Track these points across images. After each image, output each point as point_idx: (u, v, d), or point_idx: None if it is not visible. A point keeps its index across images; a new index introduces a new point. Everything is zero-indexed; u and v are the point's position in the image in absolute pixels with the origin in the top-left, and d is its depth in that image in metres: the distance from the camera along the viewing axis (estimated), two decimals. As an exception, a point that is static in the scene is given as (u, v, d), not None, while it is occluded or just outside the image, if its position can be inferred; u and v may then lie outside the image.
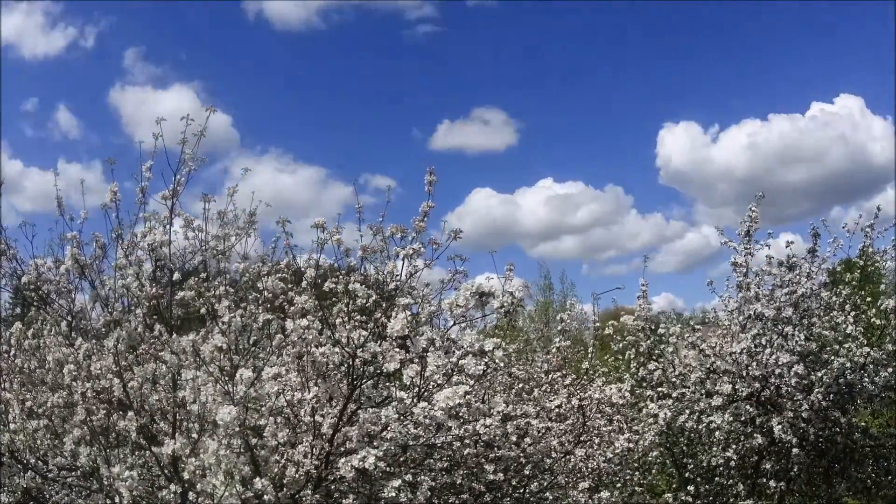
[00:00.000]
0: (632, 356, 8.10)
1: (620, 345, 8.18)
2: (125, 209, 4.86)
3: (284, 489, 4.24)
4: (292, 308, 4.57)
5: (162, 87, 53.68)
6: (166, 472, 4.45)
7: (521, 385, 7.71)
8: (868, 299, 8.15)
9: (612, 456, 6.76)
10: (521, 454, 5.61)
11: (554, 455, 6.02)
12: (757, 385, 7.35)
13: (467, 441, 5.19)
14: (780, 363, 7.13)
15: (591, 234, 53.64)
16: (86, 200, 5.15)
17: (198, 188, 5.35)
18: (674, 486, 8.45)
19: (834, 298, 7.93)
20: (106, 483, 4.34)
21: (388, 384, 4.48)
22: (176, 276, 4.80)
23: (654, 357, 7.95)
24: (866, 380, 7.49)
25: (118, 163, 5.11)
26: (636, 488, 8.29)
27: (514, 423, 5.42)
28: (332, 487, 4.58)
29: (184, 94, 51.76)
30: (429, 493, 4.59)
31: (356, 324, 4.16)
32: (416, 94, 57.08)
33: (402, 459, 4.66)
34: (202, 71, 55.89)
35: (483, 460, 5.42)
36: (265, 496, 3.95)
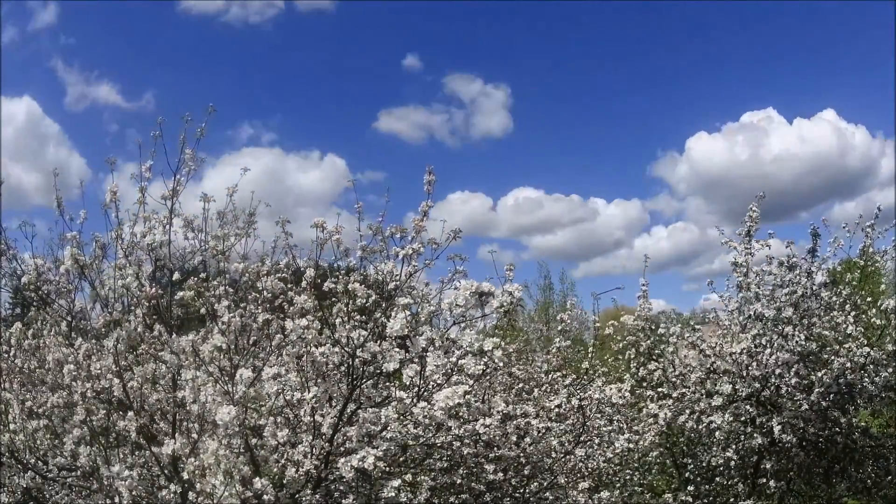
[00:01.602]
0: (632, 356, 8.09)
1: (620, 345, 8.17)
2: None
3: (284, 489, 4.24)
4: (292, 308, 4.57)
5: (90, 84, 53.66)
6: (166, 472, 4.45)
7: (521, 385, 7.72)
8: (868, 299, 8.14)
9: (612, 456, 6.77)
10: (521, 454, 5.61)
11: (554, 455, 6.02)
12: (757, 385, 7.34)
13: (467, 441, 5.19)
14: (780, 363, 7.12)
15: (570, 234, 54.13)
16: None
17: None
18: (674, 486, 8.44)
19: (834, 298, 7.92)
20: (106, 483, 4.34)
21: (388, 384, 4.48)
22: (176, 276, 4.80)
23: (654, 357, 7.94)
24: (866, 380, 7.47)
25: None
26: (636, 488, 8.28)
27: (514, 423, 5.42)
28: (332, 487, 4.58)
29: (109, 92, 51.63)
30: (429, 493, 4.60)
31: (356, 324, 4.16)
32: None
33: (402, 459, 4.66)
34: (124, 68, 55.56)
35: (483, 460, 5.43)
36: (265, 496, 3.95)
